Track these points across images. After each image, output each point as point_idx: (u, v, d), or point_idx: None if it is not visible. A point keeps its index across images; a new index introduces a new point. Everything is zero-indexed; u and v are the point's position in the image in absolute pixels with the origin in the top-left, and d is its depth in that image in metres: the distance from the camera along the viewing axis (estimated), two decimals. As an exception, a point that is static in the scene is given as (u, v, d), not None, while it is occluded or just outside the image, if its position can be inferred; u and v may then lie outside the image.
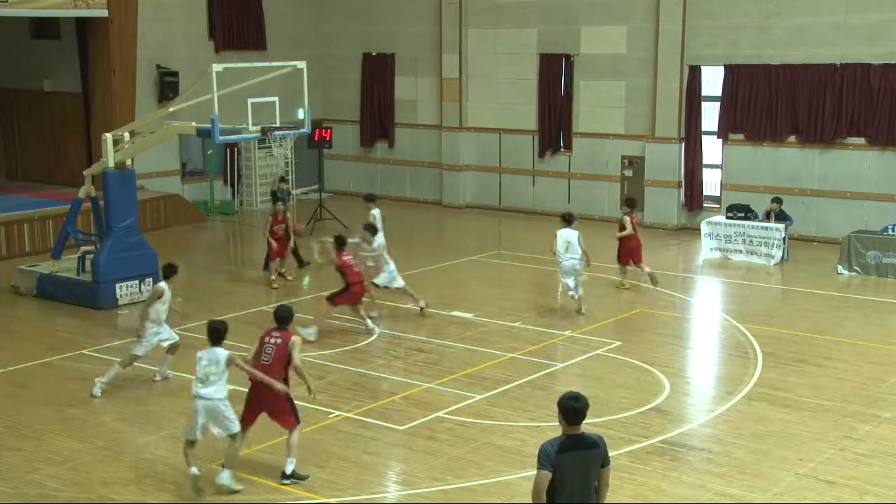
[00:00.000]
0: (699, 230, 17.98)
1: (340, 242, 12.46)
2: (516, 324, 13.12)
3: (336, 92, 24.53)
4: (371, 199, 14.35)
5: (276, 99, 13.52)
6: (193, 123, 13.54)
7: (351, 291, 12.23)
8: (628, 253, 14.89)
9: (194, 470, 7.93)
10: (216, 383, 7.89)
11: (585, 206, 21.37)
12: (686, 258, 17.52)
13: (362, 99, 24.29)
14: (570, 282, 13.24)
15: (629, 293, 14.76)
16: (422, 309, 13.08)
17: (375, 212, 14.15)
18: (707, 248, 17.54)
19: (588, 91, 21.16)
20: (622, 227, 14.84)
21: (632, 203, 15.40)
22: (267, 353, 8.15)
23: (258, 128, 13.34)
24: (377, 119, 24.20)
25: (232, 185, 23.15)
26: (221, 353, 7.99)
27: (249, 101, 13.10)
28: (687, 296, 14.79)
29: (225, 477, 7.96)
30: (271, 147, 20.11)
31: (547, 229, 20.64)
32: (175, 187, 21.88)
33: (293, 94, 13.97)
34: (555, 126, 21.68)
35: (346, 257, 12.36)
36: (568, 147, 21.70)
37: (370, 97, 24.13)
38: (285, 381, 8.11)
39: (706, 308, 14.37)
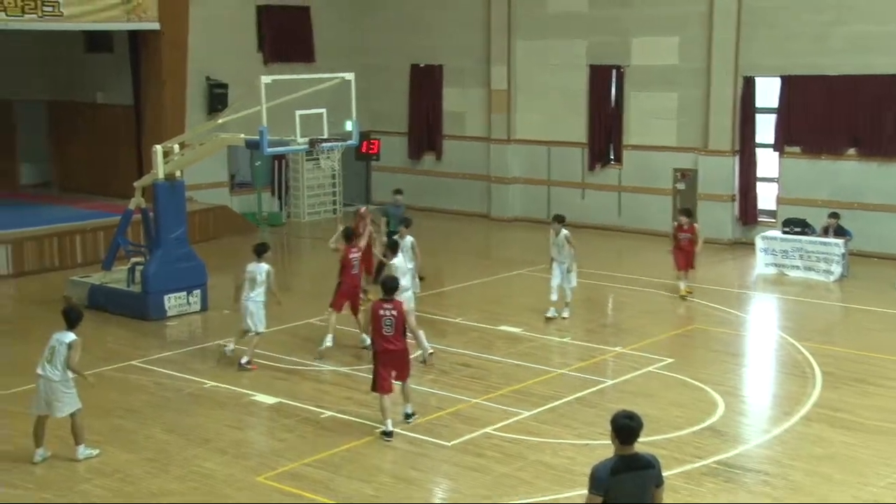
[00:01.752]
0: (754, 245, 17.72)
1: (347, 235, 12.65)
2: (565, 339, 13.05)
3: (384, 104, 24.66)
4: (406, 224, 14.10)
5: (323, 111, 13.59)
6: (242, 135, 13.66)
7: (340, 290, 12.24)
8: (685, 258, 14.85)
9: (40, 452, 9.03)
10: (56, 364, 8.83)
11: (636, 220, 21.19)
12: (741, 273, 17.26)
13: (410, 110, 24.40)
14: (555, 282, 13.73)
15: (684, 309, 14.56)
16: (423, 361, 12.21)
17: (409, 240, 13.76)
18: (762, 264, 17.29)
19: (638, 102, 21.02)
20: (694, 235, 14.82)
21: (688, 212, 15.39)
22: (387, 324, 9.30)
23: (306, 140, 13.41)
24: (425, 131, 24.29)
25: (279, 197, 23.37)
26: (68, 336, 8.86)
27: (297, 112, 13.19)
28: (742, 312, 14.54)
29: (81, 452, 9.06)
30: (319, 159, 20.30)
31: (597, 243, 20.70)
32: (224, 199, 22.13)
33: (341, 105, 14.02)
34: (604, 138, 21.59)
35: (352, 255, 12.42)
36: (618, 159, 21.56)
37: (418, 109, 24.23)
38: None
39: (762, 325, 14.13)
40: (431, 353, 11.57)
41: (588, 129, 21.78)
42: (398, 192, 17.31)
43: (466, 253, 19.55)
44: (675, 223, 15.53)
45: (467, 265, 18.25)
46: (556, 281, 14.04)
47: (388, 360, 9.43)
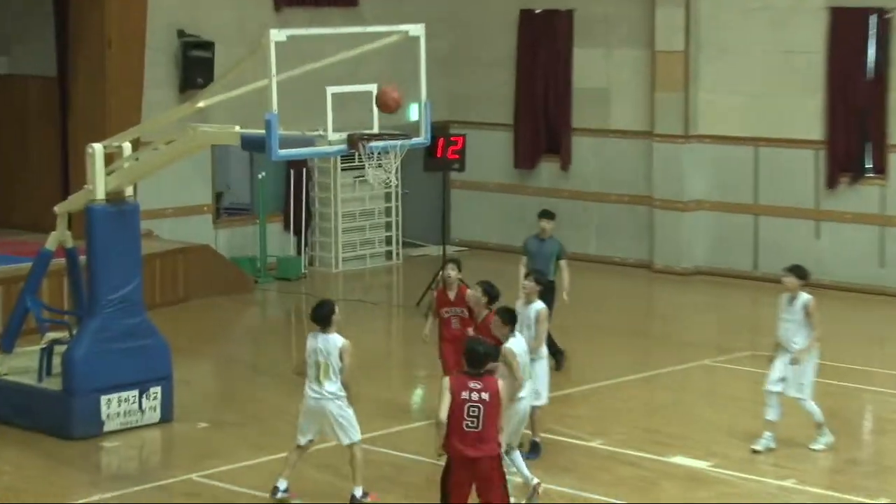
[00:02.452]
0: None
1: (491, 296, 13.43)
2: (786, 482, 12.97)
3: (473, 77, 24.78)
4: (538, 278, 14.07)
5: (373, 88, 13.65)
6: (236, 128, 13.77)
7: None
8: None
9: None
10: None
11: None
12: None
13: (518, 88, 24.44)
14: None
15: None
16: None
17: (539, 307, 13.71)
18: None
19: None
20: None
21: None
22: (472, 415, 10.14)
23: (343, 136, 13.50)
24: (542, 122, 24.30)
25: (297, 232, 23.60)
26: None
27: (329, 90, 13.26)
28: None
29: None
30: (364, 167, 20.31)
31: (846, 313, 20.32)
32: (204, 234, 22.38)
33: (401, 80, 14.06)
34: (856, 134, 21.43)
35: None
36: (880, 170, 21.36)
37: (530, 85, 24.26)
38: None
39: None
40: (538, 484, 12.00)
41: (826, 119, 21.56)
42: (546, 215, 17.10)
43: (613, 328, 19.52)
44: None
45: (614, 349, 18.17)
46: (775, 384, 13.78)
47: (467, 472, 10.26)
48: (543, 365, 13.56)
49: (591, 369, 16.90)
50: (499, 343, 11.84)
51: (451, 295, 14.49)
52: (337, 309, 12.25)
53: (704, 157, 22.87)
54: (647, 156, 23.26)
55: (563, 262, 16.70)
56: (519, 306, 13.29)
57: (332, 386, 11.99)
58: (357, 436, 12.18)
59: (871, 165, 21.47)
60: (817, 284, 21.60)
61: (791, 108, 21.91)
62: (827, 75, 21.53)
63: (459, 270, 14.69)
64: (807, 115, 21.76)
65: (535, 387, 12.83)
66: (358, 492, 12.15)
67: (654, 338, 19.10)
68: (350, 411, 12.15)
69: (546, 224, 16.96)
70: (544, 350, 13.65)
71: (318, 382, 11.97)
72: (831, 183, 21.61)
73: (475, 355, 10.35)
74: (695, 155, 22.88)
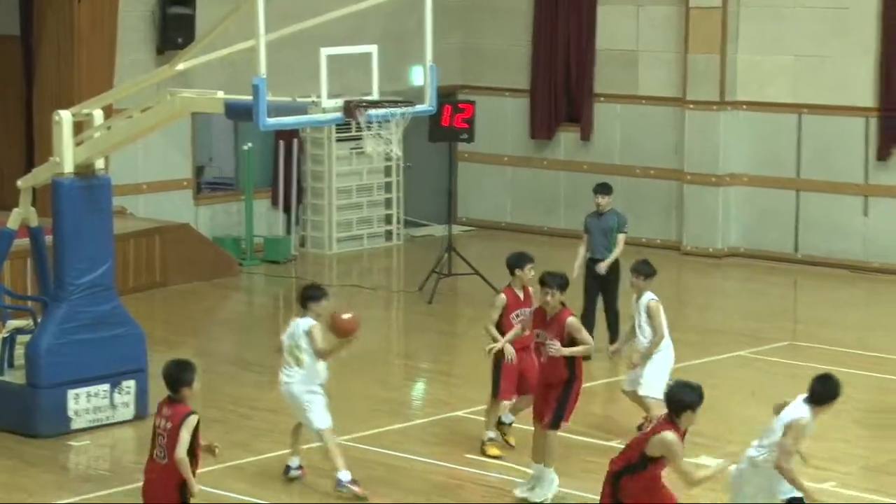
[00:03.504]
0: None
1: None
2: (825, 484, 13.01)
3: (484, 35, 24.87)
4: (647, 273, 14.53)
5: (373, 49, 13.77)
6: (220, 93, 13.85)
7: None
8: None
9: None
10: None
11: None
12: None
13: (534, 49, 24.54)
14: None
15: None
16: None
17: (650, 298, 14.38)
18: None
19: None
20: None
21: None
22: None
23: (339, 103, 13.60)
24: (563, 87, 24.38)
25: (287, 209, 23.77)
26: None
27: (324, 52, 13.37)
28: None
29: None
30: (362, 138, 20.51)
31: (894, 299, 20.86)
32: (183, 212, 22.50)
33: (403, 40, 14.20)
34: (913, 100, 21.43)
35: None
36: (939, 139, 21.46)
37: (548, 46, 24.36)
38: None
39: None
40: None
41: (879, 83, 21.65)
42: (601, 189, 17.55)
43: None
44: None
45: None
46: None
47: None
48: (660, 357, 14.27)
49: (613, 362, 17.01)
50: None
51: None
52: (324, 297, 12.71)
53: (742, 126, 22.98)
54: (679, 125, 23.38)
55: (620, 237, 17.24)
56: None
57: (299, 371, 12.68)
58: (323, 423, 12.68)
59: (927, 135, 21.47)
60: (865, 267, 21.87)
61: (840, 72, 22.01)
62: (881, 34, 21.60)
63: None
64: (858, 78, 21.85)
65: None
66: (344, 475, 12.55)
67: (683, 327, 18.86)
68: (317, 397, 12.72)
69: (601, 199, 17.38)
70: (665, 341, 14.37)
71: (288, 366, 12.75)
72: (883, 154, 21.71)
73: None
74: (731, 123, 23.01)
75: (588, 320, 16.79)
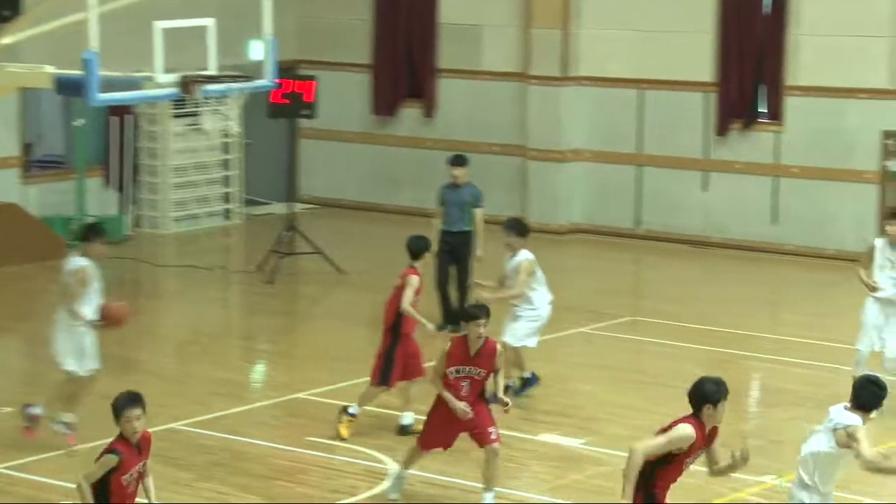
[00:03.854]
0: None
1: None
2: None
3: (325, 9, 24.77)
4: (519, 229, 14.94)
5: (209, 22, 13.68)
6: (49, 68, 13.65)
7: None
8: None
9: None
10: None
11: (810, 230, 21.37)
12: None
13: (376, 23, 24.47)
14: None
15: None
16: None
17: (522, 257, 14.73)
18: None
19: (819, 7, 21.22)
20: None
21: None
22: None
23: (174, 78, 13.50)
24: (403, 62, 24.39)
25: (120, 188, 23.46)
26: None
27: (158, 25, 13.26)
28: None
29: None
30: (199, 115, 20.34)
31: (735, 274, 20.95)
32: (10, 191, 22.10)
33: (242, 13, 14.12)
34: (750, 76, 21.74)
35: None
36: (775, 116, 21.78)
37: (390, 20, 24.32)
38: None
39: None
40: None
41: (718, 59, 21.89)
42: (456, 161, 17.66)
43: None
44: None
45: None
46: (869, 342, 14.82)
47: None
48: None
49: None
50: None
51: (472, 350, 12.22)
52: (93, 233, 13.34)
53: (584, 102, 23.13)
54: (522, 100, 23.47)
55: (478, 211, 17.30)
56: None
57: (62, 311, 13.18)
58: (69, 366, 13.16)
59: (765, 110, 21.88)
60: (705, 242, 22.18)
61: (679, 47, 22.22)
62: (719, 9, 21.83)
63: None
64: (696, 54, 22.09)
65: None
66: (65, 417, 13.12)
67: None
68: (71, 337, 13.17)
69: (457, 171, 17.46)
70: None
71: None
72: (722, 129, 22.00)
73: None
74: (574, 99, 23.14)
75: (442, 293, 16.92)
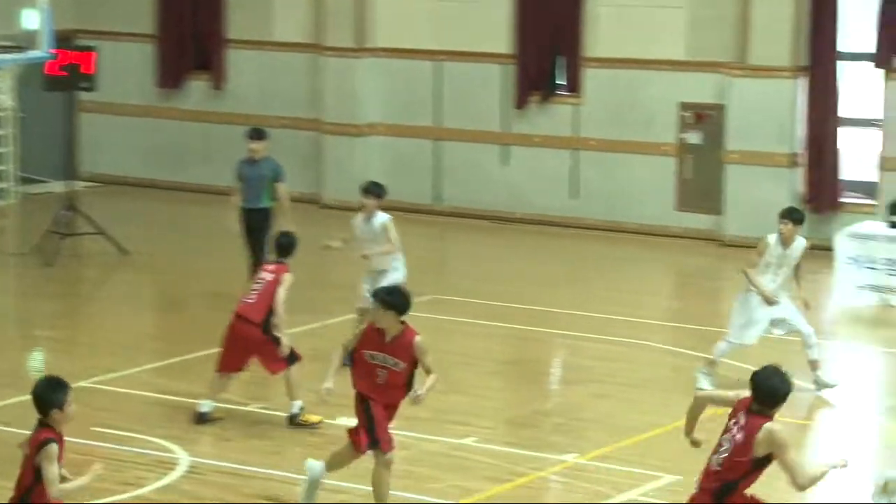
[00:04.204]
0: (831, 249, 18.21)
1: None
2: (465, 440, 13.31)
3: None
4: (377, 192, 15.49)
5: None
6: None
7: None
8: None
9: None
10: None
11: (610, 203, 21.63)
12: (810, 301, 17.61)
13: (159, -8, 24.25)
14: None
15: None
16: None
17: (383, 218, 15.29)
18: (849, 284, 17.89)
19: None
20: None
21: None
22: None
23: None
24: (189, 32, 24.24)
25: None
26: None
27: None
28: (819, 379, 14.80)
29: None
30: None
31: (536, 250, 21.18)
32: None
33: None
34: (548, 47, 21.93)
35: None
36: (573, 88, 22.00)
37: (175, -12, 24.11)
38: None
39: (854, 402, 14.67)
40: None
41: (515, 30, 22.04)
42: (254, 134, 17.35)
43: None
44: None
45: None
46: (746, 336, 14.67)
47: None
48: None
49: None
50: None
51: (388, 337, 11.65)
52: None
53: (380, 74, 23.16)
54: (315, 72, 23.44)
55: (281, 186, 17.19)
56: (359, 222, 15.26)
57: None
58: None
59: (563, 82, 22.09)
60: (508, 217, 22.33)
61: (476, 18, 22.31)
62: (516, -19, 21.94)
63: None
64: (493, 25, 22.20)
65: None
66: None
67: (324, 284, 18.99)
68: None
69: (255, 145, 17.21)
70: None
71: None
72: (520, 102, 22.16)
73: None
74: (370, 71, 23.16)
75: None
